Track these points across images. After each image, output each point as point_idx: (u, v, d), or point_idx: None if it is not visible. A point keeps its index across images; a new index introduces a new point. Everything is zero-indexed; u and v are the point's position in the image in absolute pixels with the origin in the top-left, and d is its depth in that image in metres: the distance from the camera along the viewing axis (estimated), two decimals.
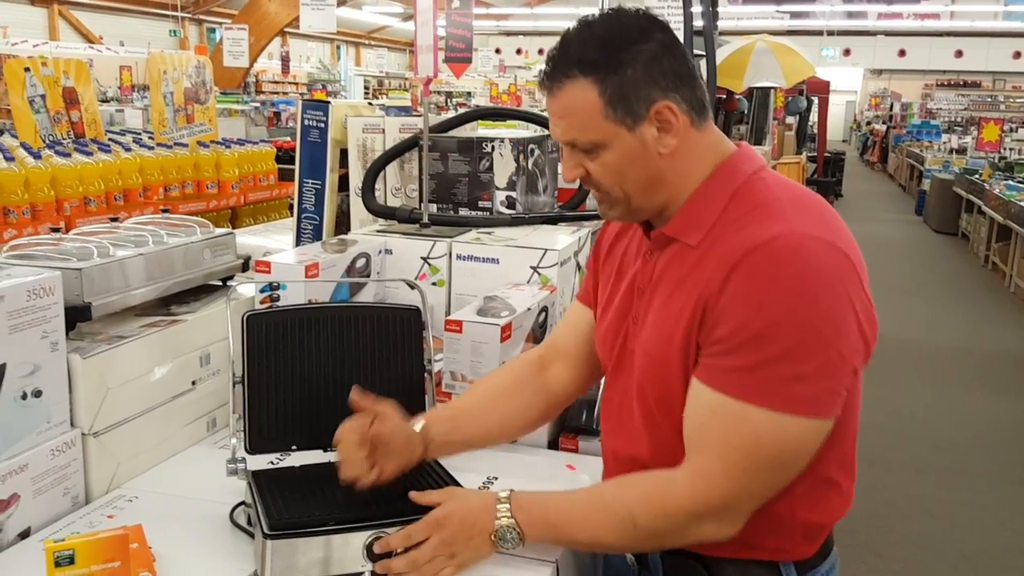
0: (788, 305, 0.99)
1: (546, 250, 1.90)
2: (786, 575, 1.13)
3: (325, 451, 1.28)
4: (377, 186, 2.39)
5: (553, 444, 1.57)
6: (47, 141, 3.49)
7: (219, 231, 1.71)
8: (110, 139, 3.78)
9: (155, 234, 1.59)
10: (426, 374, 1.34)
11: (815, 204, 1.10)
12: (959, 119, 20.90)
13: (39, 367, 1.21)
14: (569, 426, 1.60)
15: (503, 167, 2.19)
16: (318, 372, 1.27)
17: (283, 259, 1.70)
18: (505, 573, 1.14)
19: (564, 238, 2.07)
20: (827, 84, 13.06)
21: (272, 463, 1.39)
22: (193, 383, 1.52)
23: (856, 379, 1.07)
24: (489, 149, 2.17)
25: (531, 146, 2.27)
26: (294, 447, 1.29)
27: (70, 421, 1.28)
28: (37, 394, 1.21)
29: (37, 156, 3.22)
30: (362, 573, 1.09)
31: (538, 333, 1.76)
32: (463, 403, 1.36)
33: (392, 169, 2.42)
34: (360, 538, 1.10)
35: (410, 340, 1.30)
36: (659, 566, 1.20)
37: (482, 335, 1.55)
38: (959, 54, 24.09)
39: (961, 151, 12.20)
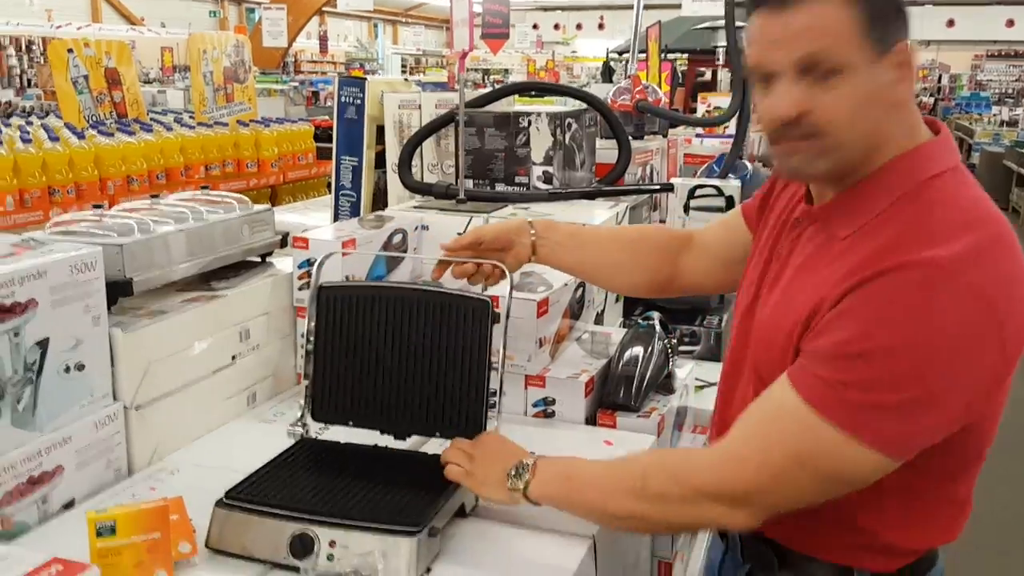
0: (908, 338, 0.91)
1: (583, 225, 1.87)
2: None
3: (382, 433, 1.28)
4: (414, 162, 2.39)
5: (591, 420, 1.56)
6: (90, 121, 3.54)
7: (258, 207, 1.72)
8: (152, 119, 3.83)
9: (195, 211, 1.60)
10: (491, 371, 1.25)
11: (999, 236, 0.95)
12: (1010, 91, 20.31)
13: (81, 341, 1.23)
14: (608, 402, 1.59)
15: (540, 142, 2.17)
16: (380, 352, 1.26)
17: (320, 235, 1.70)
18: (540, 546, 1.14)
19: (601, 212, 2.05)
20: (930, 105, 12.74)
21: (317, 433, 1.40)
22: (233, 358, 1.53)
23: (973, 425, 0.99)
24: (526, 124, 2.15)
25: (568, 120, 2.24)
26: (350, 422, 1.29)
27: (112, 395, 1.30)
28: (80, 368, 1.23)
29: (81, 136, 3.27)
30: (298, 568, 1.06)
31: (575, 308, 1.75)
32: (590, 229, 1.40)
33: (429, 145, 2.41)
34: (288, 530, 1.07)
35: (477, 333, 1.24)
36: (738, 545, 1.19)
37: (518, 310, 1.54)
38: (1010, 23, 23.35)
39: (1012, 124, 11.87)
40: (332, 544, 1.05)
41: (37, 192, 2.94)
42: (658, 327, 1.74)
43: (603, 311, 2.00)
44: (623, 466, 1.12)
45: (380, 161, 2.48)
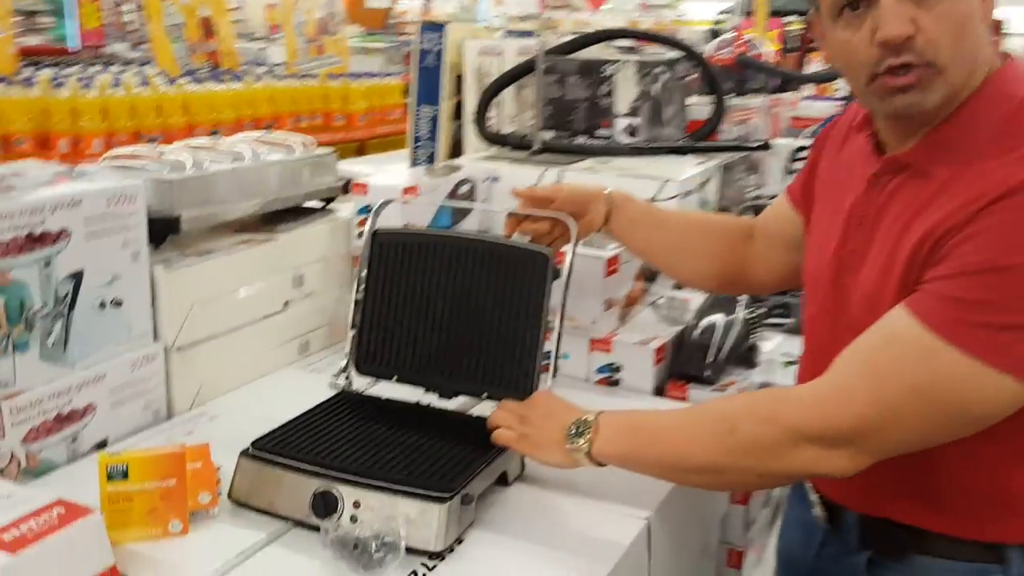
0: None
1: (666, 181, 1.73)
2: (1012, 559, 0.95)
3: (427, 391, 1.19)
4: (492, 113, 2.28)
5: (660, 391, 1.43)
6: (184, 71, 3.56)
7: (320, 151, 1.64)
8: (244, 70, 3.83)
9: (254, 150, 1.54)
10: (548, 330, 1.13)
11: None
12: None
13: (119, 276, 1.17)
14: (680, 372, 1.45)
15: (625, 92, 2.03)
16: (431, 304, 1.17)
17: (381, 181, 1.62)
18: (587, 520, 1.03)
19: (688, 170, 1.90)
20: (998, 24, 11.87)
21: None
22: (285, 304, 1.47)
23: None
24: (611, 72, 2.01)
25: (658, 70, 2.09)
26: (395, 377, 1.21)
27: (153, 334, 1.25)
28: (117, 304, 1.18)
29: (172, 83, 3.29)
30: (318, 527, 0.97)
31: (650, 271, 1.61)
32: (666, 209, 1.32)
33: (509, 95, 2.29)
34: (312, 487, 0.99)
35: (535, 288, 1.12)
36: (853, 528, 1.05)
37: (584, 268, 1.42)
38: None
39: None
40: (356, 505, 0.97)
41: (124, 136, 2.97)
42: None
43: None
44: (702, 413, 1.03)
45: (458, 112, 2.38)
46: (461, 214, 1.74)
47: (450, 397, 1.19)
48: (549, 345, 1.15)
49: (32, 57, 3.63)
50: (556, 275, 1.11)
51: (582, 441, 1.00)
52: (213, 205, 1.39)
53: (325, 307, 1.56)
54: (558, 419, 1.04)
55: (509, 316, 1.12)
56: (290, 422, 1.12)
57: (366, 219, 1.55)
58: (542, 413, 1.07)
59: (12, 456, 1.06)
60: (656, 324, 1.54)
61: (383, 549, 0.91)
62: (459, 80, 2.36)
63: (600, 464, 1.01)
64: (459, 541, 0.98)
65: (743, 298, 1.58)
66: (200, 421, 1.26)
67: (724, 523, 1.44)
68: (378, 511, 0.96)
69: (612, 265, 1.43)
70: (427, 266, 1.18)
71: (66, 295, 1.11)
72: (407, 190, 1.55)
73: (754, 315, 1.58)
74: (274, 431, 1.09)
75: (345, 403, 1.18)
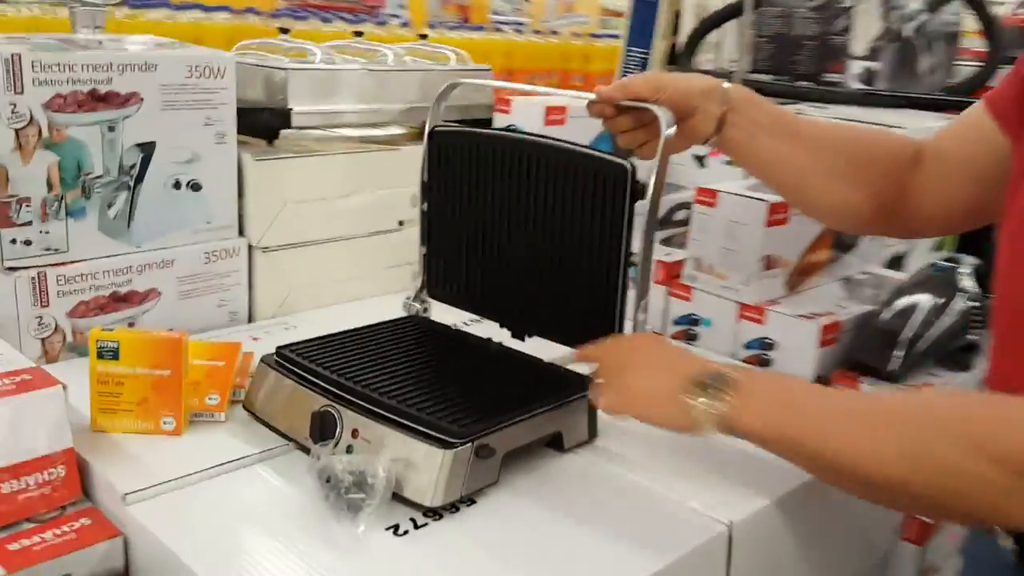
0: None
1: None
2: None
3: (501, 326, 0.99)
4: (710, 56, 2.00)
5: (823, 381, 1.12)
6: (433, 22, 3.59)
7: (474, 65, 1.48)
8: (491, 24, 3.79)
9: (398, 56, 1.41)
10: (626, 270, 0.87)
11: None
12: None
13: (199, 157, 1.08)
14: (853, 360, 1.13)
15: (866, 29, 1.67)
16: (499, 223, 0.96)
17: (524, 99, 1.42)
18: (652, 518, 0.78)
19: (927, 123, 1.51)
20: None
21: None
22: (400, 223, 1.33)
23: None
24: (850, 3, 1.66)
25: (915, 7, 1.70)
26: (466, 306, 1.03)
27: (238, 229, 1.15)
28: (194, 187, 1.09)
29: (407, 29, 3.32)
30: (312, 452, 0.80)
31: (845, 237, 1.28)
32: (803, 118, 0.97)
33: (731, 35, 2.00)
34: (316, 405, 0.83)
35: (612, 209, 0.87)
36: None
37: (742, 213, 1.13)
38: None
39: None
40: (355, 434, 0.80)
41: None
42: (966, 277, 1.22)
43: (906, 255, 1.48)
44: (893, 408, 0.72)
45: (673, 57, 2.12)
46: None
47: (522, 337, 0.97)
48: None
49: None
50: (638, 193, 0.85)
51: (718, 403, 0.74)
52: (333, 104, 1.27)
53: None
54: (677, 368, 0.79)
55: (585, 245, 0.88)
56: (334, 335, 0.97)
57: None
58: (651, 359, 0.82)
59: (56, 327, 1.01)
60: (838, 300, 1.21)
61: (357, 490, 0.73)
62: (677, 19, 2.10)
63: (742, 435, 0.75)
64: (469, 502, 0.78)
65: (966, 281, 1.20)
66: (274, 330, 1.15)
67: (886, 564, 1.09)
68: (375, 445, 0.78)
69: (777, 213, 1.13)
70: (490, 175, 0.95)
71: (133, 166, 1.03)
72: (552, 109, 1.35)
73: (981, 306, 1.20)
74: (311, 340, 0.95)
75: (406, 327, 1.02)
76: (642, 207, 0.83)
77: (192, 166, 1.08)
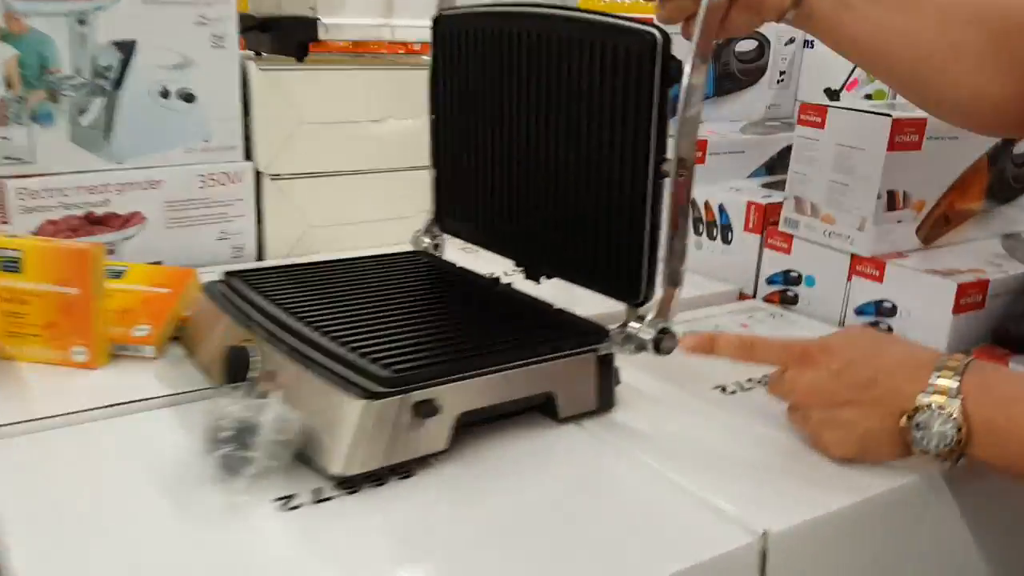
0: None
1: None
2: None
3: (516, 265, 0.77)
4: None
5: None
6: None
7: None
8: None
9: None
10: (657, 179, 0.62)
11: None
12: None
13: (191, 62, 0.94)
14: (1003, 335, 0.83)
15: None
16: (514, 127, 0.74)
17: None
18: (674, 529, 0.55)
19: None
20: None
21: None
22: None
23: None
24: None
25: None
26: (477, 240, 0.82)
27: (244, 152, 1.00)
28: (186, 97, 0.95)
29: None
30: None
31: (1004, 182, 0.97)
32: None
33: None
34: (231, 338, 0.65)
35: (639, 104, 0.62)
36: None
37: (857, 133, 0.86)
38: None
39: None
40: (271, 377, 0.61)
41: None
42: None
43: None
44: None
45: None
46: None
47: (536, 278, 0.75)
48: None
49: None
50: (675, 78, 0.60)
51: (933, 441, 0.56)
52: (374, 16, 1.10)
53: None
54: (892, 388, 0.58)
55: (609, 151, 0.65)
56: (306, 264, 0.79)
57: None
58: (860, 370, 0.60)
59: None
60: (989, 257, 0.91)
61: (238, 445, 0.54)
62: None
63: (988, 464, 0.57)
64: (403, 474, 0.57)
65: None
66: None
67: None
68: (291, 392, 0.59)
69: (905, 133, 0.84)
70: (501, 68, 0.73)
71: (109, 67, 0.90)
72: None
73: None
74: (275, 267, 0.77)
75: (401, 262, 0.82)
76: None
77: (183, 72, 0.94)
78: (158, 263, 0.97)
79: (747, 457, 0.62)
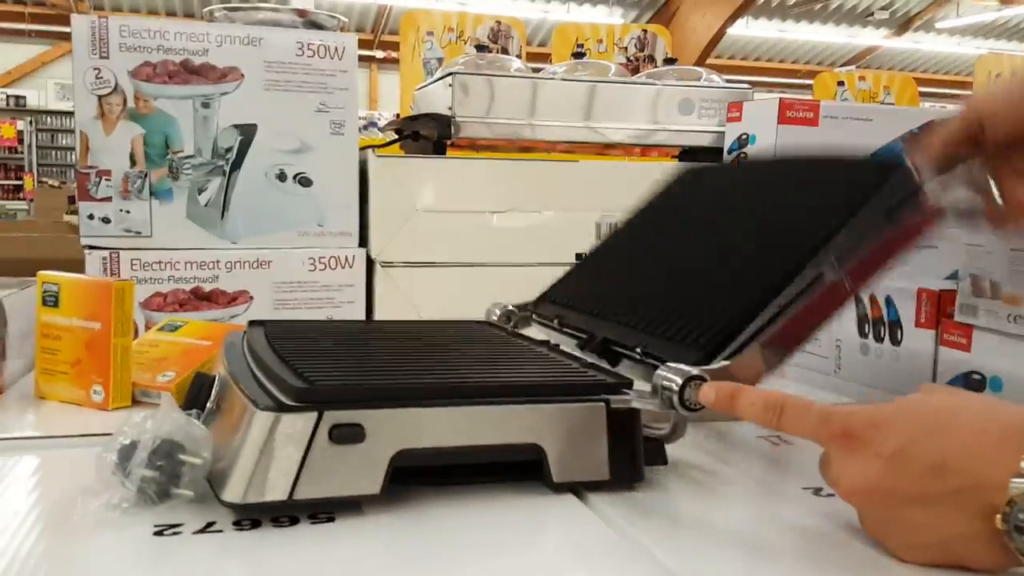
0: None
1: None
2: None
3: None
4: None
5: None
6: None
7: (702, 82, 1.18)
8: None
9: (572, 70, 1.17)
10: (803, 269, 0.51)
11: None
12: None
13: (308, 147, 0.95)
14: None
15: None
16: (685, 237, 0.67)
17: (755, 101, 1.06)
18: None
19: None
20: None
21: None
22: (578, 256, 1.04)
23: None
24: None
25: None
26: (557, 320, 0.71)
27: (359, 238, 0.98)
28: (303, 182, 0.96)
29: None
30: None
31: None
32: None
33: None
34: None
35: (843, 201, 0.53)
36: None
37: None
38: None
39: None
40: (218, 405, 0.53)
41: None
42: None
43: None
44: None
45: None
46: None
47: (594, 350, 0.62)
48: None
49: None
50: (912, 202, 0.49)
51: None
52: (513, 116, 1.07)
53: None
54: (975, 482, 0.39)
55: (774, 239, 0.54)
56: (361, 322, 0.73)
57: (738, 157, 1.04)
58: (934, 451, 0.40)
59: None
60: None
61: (119, 452, 0.46)
62: None
63: None
64: (320, 518, 0.45)
65: None
66: None
67: None
68: (219, 417, 0.51)
69: None
70: (720, 198, 0.70)
71: (229, 149, 0.93)
72: (788, 105, 0.98)
73: None
74: (316, 322, 0.72)
75: (459, 327, 0.73)
76: None
77: (301, 157, 0.95)
78: None
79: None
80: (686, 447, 0.56)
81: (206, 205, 0.94)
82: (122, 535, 0.43)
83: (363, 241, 0.99)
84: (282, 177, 0.95)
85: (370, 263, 0.98)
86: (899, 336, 0.81)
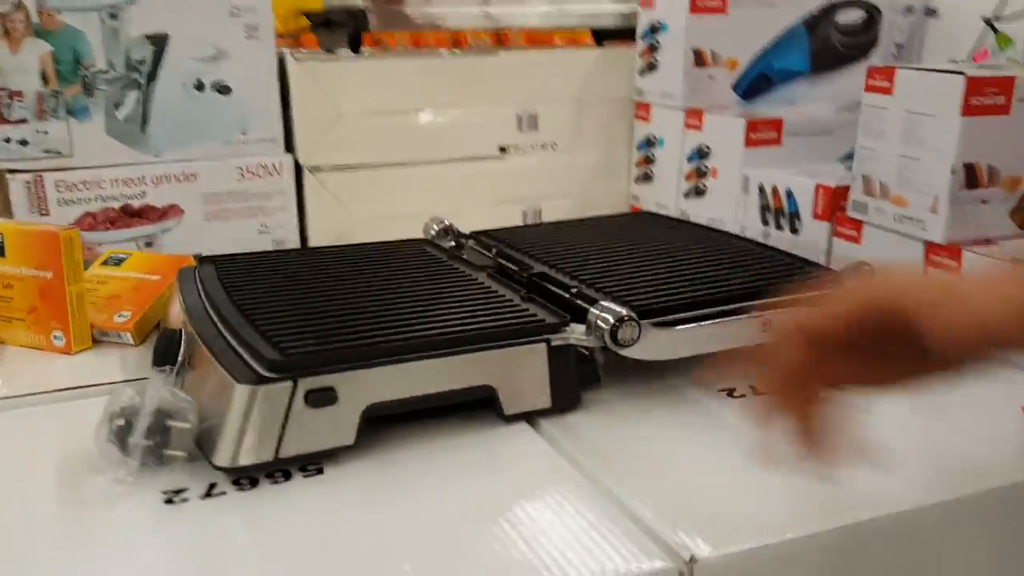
0: None
1: None
2: None
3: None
4: None
5: None
6: None
7: None
8: None
9: None
10: None
11: None
12: None
13: (225, 54, 0.94)
14: None
15: None
16: None
17: None
18: (592, 549, 0.46)
19: None
20: None
21: None
22: (502, 150, 1.08)
23: None
24: None
25: None
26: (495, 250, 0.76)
27: (283, 144, 0.99)
28: (222, 90, 0.95)
29: None
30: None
31: None
32: None
33: None
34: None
35: None
36: None
37: (926, 97, 0.72)
38: None
39: None
40: (189, 363, 0.58)
41: None
42: None
43: None
44: None
45: None
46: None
47: (526, 285, 0.68)
48: None
49: None
50: None
51: None
52: (432, 4, 1.06)
53: (575, 169, 1.12)
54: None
55: None
56: (296, 251, 0.77)
57: (652, 46, 1.07)
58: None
59: None
60: None
61: (123, 433, 0.51)
62: None
63: None
64: (310, 470, 0.52)
65: None
66: None
67: None
68: (196, 374, 0.56)
69: (983, 94, 0.69)
70: None
71: (143, 60, 0.91)
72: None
73: None
74: (256, 254, 0.75)
75: (396, 250, 0.77)
76: None
77: (218, 65, 0.94)
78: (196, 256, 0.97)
79: (705, 474, 0.52)
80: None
81: (125, 120, 0.92)
82: (136, 507, 0.49)
83: (289, 147, 0.99)
84: (200, 86, 0.94)
85: (299, 169, 1.00)
86: (797, 226, 0.89)
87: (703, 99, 1.04)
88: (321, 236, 1.02)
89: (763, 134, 0.96)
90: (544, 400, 0.57)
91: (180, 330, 0.60)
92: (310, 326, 0.56)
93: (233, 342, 0.54)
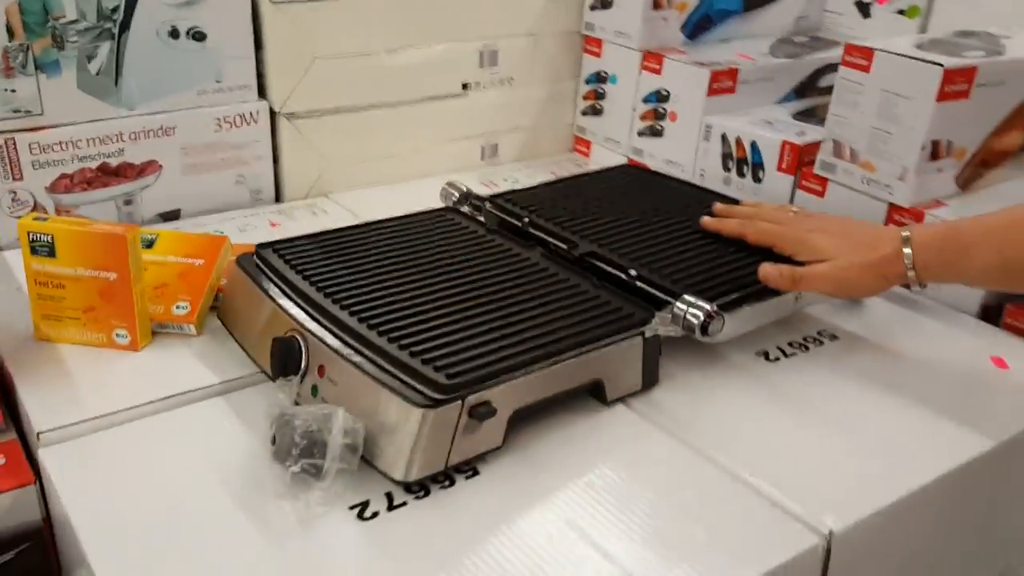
0: None
1: None
2: None
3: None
4: None
5: (990, 315, 0.83)
6: None
7: None
8: None
9: None
10: None
11: None
12: None
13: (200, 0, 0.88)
14: None
15: None
16: None
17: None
18: (759, 542, 0.56)
19: None
20: None
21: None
22: (465, 87, 1.09)
23: None
24: None
25: None
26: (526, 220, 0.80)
27: (257, 91, 0.96)
28: (197, 37, 0.90)
29: None
30: None
31: None
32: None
33: None
34: (277, 325, 0.64)
35: None
36: None
37: (906, 81, 0.83)
38: None
39: None
40: (321, 371, 0.61)
41: None
42: None
43: None
44: None
45: None
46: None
47: (576, 262, 0.74)
48: None
49: None
50: None
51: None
52: None
53: (528, 102, 1.16)
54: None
55: None
56: (338, 230, 0.77)
57: None
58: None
59: (36, 204, 0.86)
60: None
61: (308, 456, 0.54)
62: None
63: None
64: (470, 472, 0.58)
65: None
66: (299, 214, 0.97)
67: None
68: (342, 390, 0.59)
69: (956, 83, 0.81)
70: None
71: (115, 9, 0.84)
72: None
73: None
74: (305, 237, 0.75)
75: (433, 223, 0.80)
76: None
77: (192, 10, 0.88)
78: (176, 211, 0.94)
79: (801, 443, 0.63)
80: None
81: (97, 73, 0.86)
82: (337, 524, 0.53)
83: (262, 93, 0.96)
84: (175, 34, 0.88)
85: (273, 116, 0.97)
86: (760, 176, 1.00)
87: (655, 40, 1.10)
88: (297, 184, 1.01)
89: (722, 83, 1.04)
90: (636, 383, 0.66)
91: (295, 338, 0.62)
92: (447, 343, 0.60)
93: (385, 363, 0.58)
